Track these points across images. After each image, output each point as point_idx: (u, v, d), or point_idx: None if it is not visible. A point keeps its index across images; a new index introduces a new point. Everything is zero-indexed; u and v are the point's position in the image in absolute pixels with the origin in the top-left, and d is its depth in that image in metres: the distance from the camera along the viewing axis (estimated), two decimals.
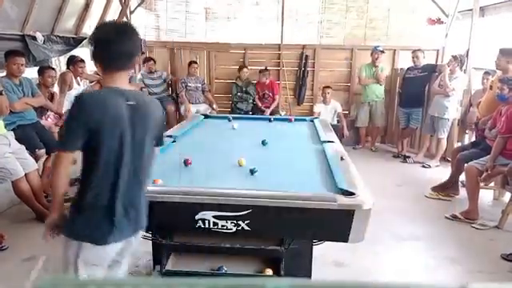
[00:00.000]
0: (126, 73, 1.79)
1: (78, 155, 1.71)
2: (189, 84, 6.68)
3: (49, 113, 4.71)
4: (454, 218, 3.90)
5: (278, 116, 5.73)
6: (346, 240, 2.01)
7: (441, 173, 5.07)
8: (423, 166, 5.67)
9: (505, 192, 4.15)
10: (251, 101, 6.73)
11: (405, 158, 6.01)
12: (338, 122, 6.50)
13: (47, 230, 1.74)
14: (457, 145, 5.57)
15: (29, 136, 4.00)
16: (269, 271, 2.20)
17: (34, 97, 4.20)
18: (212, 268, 2.24)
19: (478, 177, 3.90)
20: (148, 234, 2.28)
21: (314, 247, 2.36)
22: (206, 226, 2.02)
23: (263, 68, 6.75)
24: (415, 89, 5.99)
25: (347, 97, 7.07)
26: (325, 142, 3.27)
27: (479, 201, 3.94)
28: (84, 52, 5.80)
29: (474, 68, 5.71)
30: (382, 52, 6.34)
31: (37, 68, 4.93)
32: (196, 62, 6.85)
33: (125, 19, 6.68)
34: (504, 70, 4.20)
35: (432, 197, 4.48)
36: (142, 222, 1.81)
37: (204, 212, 2.00)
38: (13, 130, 3.83)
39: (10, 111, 3.74)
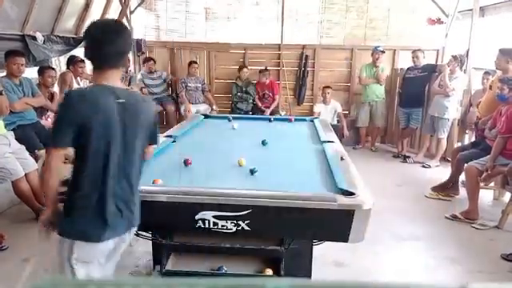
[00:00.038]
0: (118, 71, 1.80)
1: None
2: (189, 84, 6.68)
3: (49, 113, 4.71)
4: (454, 218, 3.90)
5: (277, 116, 5.72)
6: (346, 240, 2.01)
7: (441, 173, 5.07)
8: (423, 166, 5.67)
9: (505, 192, 4.15)
10: (251, 101, 6.72)
11: (405, 158, 6.00)
12: (338, 122, 6.50)
13: (41, 226, 1.76)
14: (457, 145, 5.57)
15: (29, 136, 4.00)
16: (269, 271, 2.20)
17: (34, 97, 4.21)
18: (212, 268, 2.24)
19: (478, 177, 3.90)
20: (148, 234, 2.29)
21: (314, 247, 2.36)
22: (206, 225, 2.02)
23: (263, 68, 6.74)
24: (415, 89, 5.99)
25: (347, 97, 7.07)
26: (325, 141, 3.27)
27: (479, 201, 3.94)
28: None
29: (473, 68, 5.71)
30: (383, 52, 6.35)
31: (37, 68, 4.94)
32: (196, 62, 6.85)
33: (125, 19, 6.69)
34: (504, 70, 4.20)
35: (432, 197, 4.48)
36: (135, 219, 1.81)
37: (204, 212, 2.00)
38: (13, 129, 3.84)
39: (10, 111, 3.75)
